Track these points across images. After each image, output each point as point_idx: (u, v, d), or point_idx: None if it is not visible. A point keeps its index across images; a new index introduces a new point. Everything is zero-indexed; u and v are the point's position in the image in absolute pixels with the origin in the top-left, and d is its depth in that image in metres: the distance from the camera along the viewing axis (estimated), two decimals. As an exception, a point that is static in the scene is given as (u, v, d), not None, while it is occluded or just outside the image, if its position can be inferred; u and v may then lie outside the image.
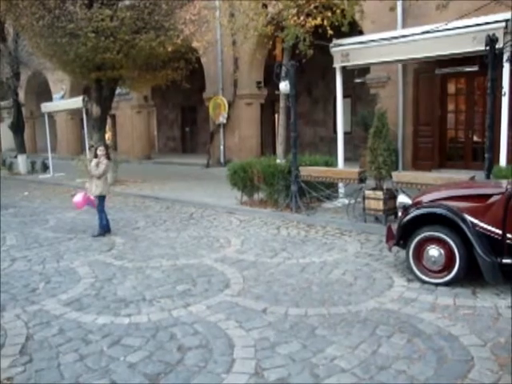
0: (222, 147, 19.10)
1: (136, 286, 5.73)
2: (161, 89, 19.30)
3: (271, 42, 12.06)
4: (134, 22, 12.74)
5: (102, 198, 8.41)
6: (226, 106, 18.31)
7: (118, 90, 16.91)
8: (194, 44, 14.93)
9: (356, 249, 7.14)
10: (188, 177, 16.23)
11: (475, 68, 11.26)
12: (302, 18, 9.61)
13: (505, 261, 5.15)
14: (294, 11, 9.63)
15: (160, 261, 6.75)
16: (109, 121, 20.51)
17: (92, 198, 8.47)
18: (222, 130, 19.03)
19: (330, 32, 9.63)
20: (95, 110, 14.83)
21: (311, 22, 9.61)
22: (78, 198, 8.52)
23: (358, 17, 10.65)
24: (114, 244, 7.77)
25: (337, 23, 9.63)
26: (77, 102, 16.39)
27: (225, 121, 18.57)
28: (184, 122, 27.10)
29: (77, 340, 4.35)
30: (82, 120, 18.78)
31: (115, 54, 12.70)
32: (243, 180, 10.28)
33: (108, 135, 24.10)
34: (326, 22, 9.55)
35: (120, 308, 5.07)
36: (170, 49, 13.49)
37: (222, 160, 18.94)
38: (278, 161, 10.27)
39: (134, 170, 18.17)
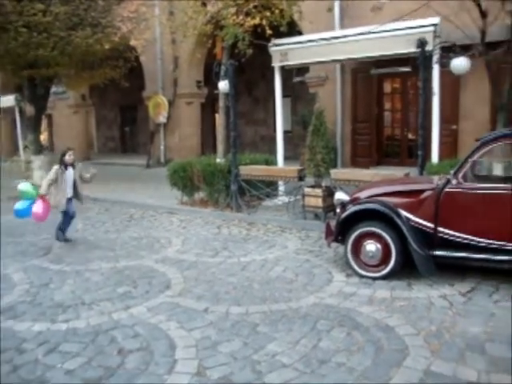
0: (162, 147, 18.85)
1: (74, 290, 5.57)
2: (99, 88, 18.81)
3: (211, 41, 11.99)
4: (69, 17, 12.32)
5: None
6: (166, 105, 18.08)
7: (53, 89, 16.33)
8: (133, 42, 14.66)
9: (296, 246, 7.25)
10: (128, 177, 15.91)
11: (408, 69, 11.67)
12: (241, 17, 9.64)
13: (437, 253, 5.39)
14: (233, 10, 9.65)
15: (99, 263, 6.59)
16: (44, 121, 19.79)
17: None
18: (162, 130, 18.79)
19: (269, 32, 9.71)
20: (29, 109, 14.26)
21: (250, 22, 9.65)
22: (38, 208, 7.33)
23: (297, 17, 10.80)
24: (50, 248, 7.50)
25: (275, 23, 9.73)
26: (9, 100, 15.71)
27: (165, 120, 18.34)
28: (124, 121, 26.52)
29: (10, 350, 4.16)
30: (14, 120, 18.00)
31: (49, 50, 12.23)
32: (183, 180, 10.20)
33: (44, 136, 23.24)
34: (264, 22, 9.62)
35: (57, 314, 4.91)
36: (107, 46, 13.17)
37: (162, 160, 18.69)
38: (218, 160, 10.26)
39: (71, 171, 17.58)
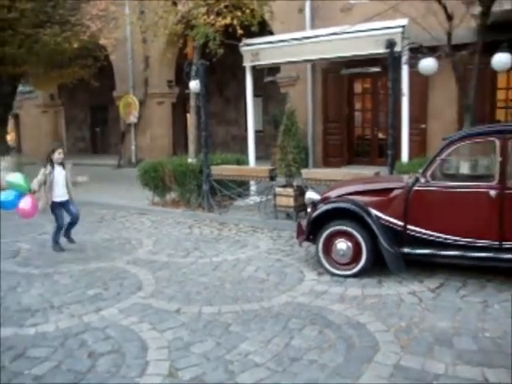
0: (133, 147, 18.66)
1: (43, 294, 5.47)
2: (68, 87, 18.48)
3: (182, 41, 11.92)
4: (36, 14, 12.07)
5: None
6: (137, 105, 17.90)
7: (20, 88, 15.98)
8: (102, 41, 14.45)
9: (268, 245, 7.27)
10: (99, 178, 15.61)
11: (378, 69, 11.83)
12: (211, 17, 9.61)
13: (406, 250, 5.48)
14: (204, 10, 9.62)
15: (69, 266, 6.48)
16: (11, 121, 19.35)
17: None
18: (133, 130, 18.59)
19: (240, 31, 9.72)
20: (-6, 108, 13.95)
21: (221, 22, 9.64)
22: (26, 203, 6.76)
23: (268, 17, 10.83)
24: (18, 251, 7.34)
25: (246, 23, 9.74)
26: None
27: (136, 120, 18.15)
28: (94, 121, 26.11)
29: (-25, 357, 4.05)
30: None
31: (16, 48, 11.98)
32: (154, 180, 10.12)
33: (10, 136, 22.73)
34: (235, 22, 9.62)
35: (25, 318, 4.80)
36: (76, 45, 12.95)
37: (133, 160, 18.49)
38: (189, 160, 10.22)
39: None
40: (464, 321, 4.49)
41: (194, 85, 9.93)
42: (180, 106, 20.07)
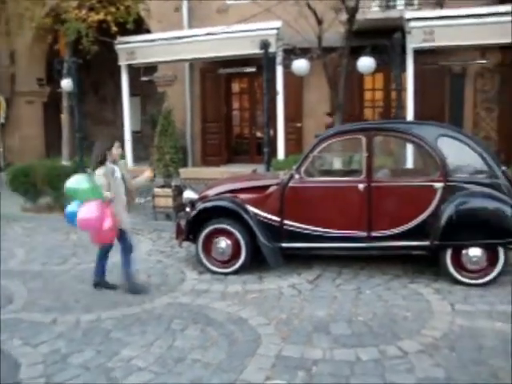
0: (1, 149, 17.30)
1: None
2: None
3: (52, 36, 11.27)
4: None
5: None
6: (4, 104, 16.61)
7: None
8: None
9: (148, 247, 7.16)
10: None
11: (254, 69, 12.11)
12: (83, 11, 9.23)
13: (284, 245, 5.68)
14: (75, 4, 9.20)
15: None
16: None
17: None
18: (-1, 131, 17.24)
19: (115, 29, 9.44)
20: None
21: (94, 17, 9.30)
22: (89, 210, 4.83)
23: (145, 15, 10.64)
24: None
25: (121, 20, 9.48)
26: None
27: (3, 120, 16.84)
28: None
29: None
30: None
31: None
32: (25, 185, 9.46)
33: None
34: (109, 18, 9.33)
35: None
36: None
37: (1, 164, 17.15)
38: (63, 163, 9.70)
39: None
40: (339, 308, 4.77)
41: (66, 83, 9.45)
42: (53, 106, 18.94)
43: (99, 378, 3.60)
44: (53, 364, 3.83)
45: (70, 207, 5.00)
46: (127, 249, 5.31)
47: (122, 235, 5.21)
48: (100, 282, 5.43)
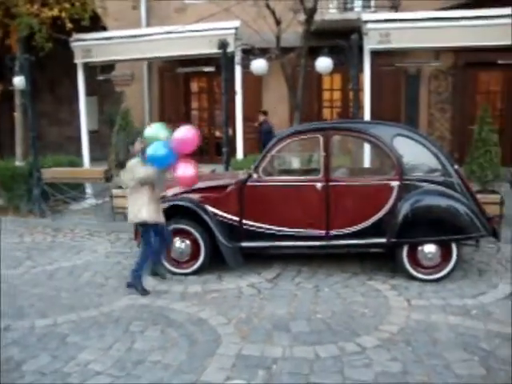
0: (-50, 150, 16.64)
1: None
2: None
3: (3, 30, 10.87)
4: None
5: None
6: (-49, 101, 15.99)
7: None
8: None
9: (106, 249, 7.02)
10: None
11: (212, 69, 12.08)
12: (36, 6, 8.97)
13: (244, 244, 5.68)
14: (26, -3, 8.92)
15: None
16: None
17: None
18: None
19: (70, 25, 9.21)
20: None
21: (47, 13, 9.04)
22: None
23: (101, 12, 10.44)
24: None
25: (77, 17, 9.26)
26: None
27: (-48, 119, 16.21)
28: None
29: None
30: None
31: None
32: (-26, 187, 9.13)
33: None
34: (64, 14, 9.10)
35: None
36: None
37: (-51, 165, 16.49)
38: (17, 163, 9.41)
39: None
40: (299, 306, 4.80)
41: (19, 81, 9.14)
42: (5, 104, 18.36)
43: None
44: (6, 372, 3.71)
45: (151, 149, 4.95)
46: (164, 239, 5.40)
47: (158, 227, 5.26)
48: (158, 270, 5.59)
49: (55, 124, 19.26)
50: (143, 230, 5.27)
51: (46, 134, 17.18)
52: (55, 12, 9.01)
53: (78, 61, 9.71)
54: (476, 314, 4.52)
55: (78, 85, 10.23)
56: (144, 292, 5.16)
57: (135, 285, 5.22)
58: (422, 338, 4.07)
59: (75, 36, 9.57)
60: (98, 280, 5.67)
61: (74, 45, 9.64)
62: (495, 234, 5.59)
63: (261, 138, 10.66)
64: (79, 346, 4.07)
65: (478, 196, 5.86)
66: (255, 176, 5.65)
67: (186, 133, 5.09)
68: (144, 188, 5.05)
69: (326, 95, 13.15)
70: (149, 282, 5.53)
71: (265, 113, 11.13)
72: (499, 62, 11.44)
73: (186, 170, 5.08)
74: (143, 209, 5.05)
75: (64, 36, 9.44)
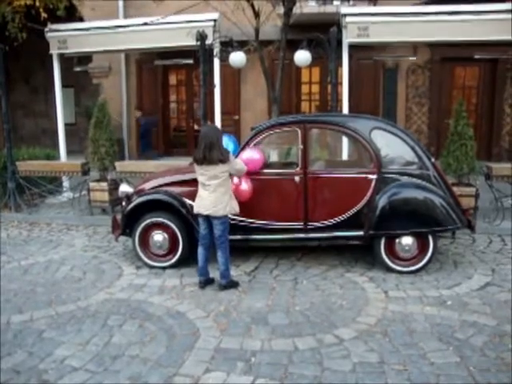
0: None
1: None
2: None
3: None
4: None
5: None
6: None
7: None
8: None
9: (84, 243, 6.94)
10: None
11: (191, 61, 11.97)
12: (8, -6, 8.76)
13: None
14: (-3, -16, 8.70)
15: None
16: None
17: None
18: None
19: (45, 15, 9.01)
20: None
21: (20, 1, 8.83)
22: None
23: (77, 2, 10.25)
24: None
25: (52, 6, 9.07)
26: None
27: None
28: None
29: None
30: None
31: None
32: None
33: None
34: (38, 3, 8.89)
35: None
36: None
37: None
38: (-10, 156, 9.21)
39: None
40: (277, 298, 4.82)
41: (-10, 72, 8.93)
42: (-22, 96, 18.00)
43: (30, 381, 3.46)
44: (-20, 370, 3.65)
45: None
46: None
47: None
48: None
49: (31, 116, 18.93)
50: (223, 222, 5.01)
51: (21, 126, 16.90)
52: (29, 1, 8.79)
53: (54, 51, 9.52)
54: (451, 305, 4.60)
55: (53, 76, 10.04)
56: (236, 284, 5.12)
57: (231, 284, 5.10)
58: (399, 329, 4.13)
59: (50, 26, 9.38)
60: (75, 274, 5.61)
61: (49, 35, 9.43)
62: (470, 226, 5.68)
63: None
64: (56, 342, 4.02)
65: (454, 189, 5.96)
66: (233, 169, 5.62)
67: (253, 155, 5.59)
68: (228, 181, 5.02)
69: (305, 88, 13.16)
70: (125, 276, 5.51)
71: (140, 109, 11.37)
72: (476, 56, 11.61)
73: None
74: (233, 201, 5.02)
75: (39, 26, 9.25)
